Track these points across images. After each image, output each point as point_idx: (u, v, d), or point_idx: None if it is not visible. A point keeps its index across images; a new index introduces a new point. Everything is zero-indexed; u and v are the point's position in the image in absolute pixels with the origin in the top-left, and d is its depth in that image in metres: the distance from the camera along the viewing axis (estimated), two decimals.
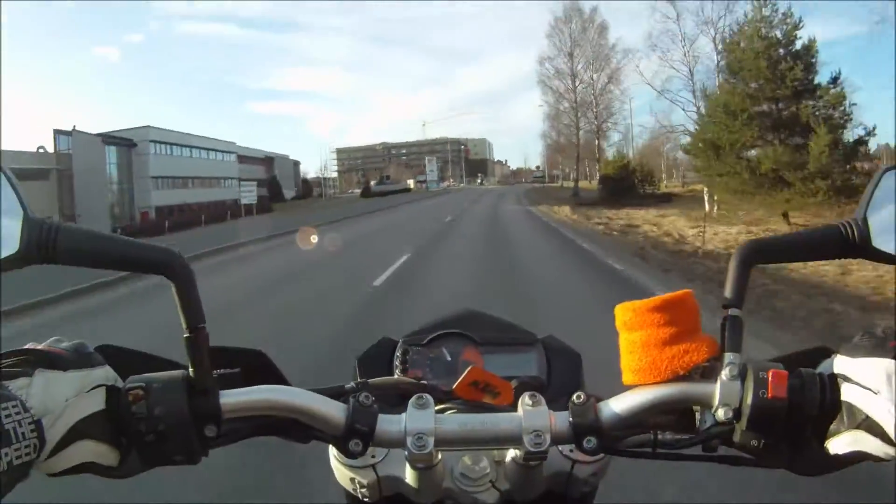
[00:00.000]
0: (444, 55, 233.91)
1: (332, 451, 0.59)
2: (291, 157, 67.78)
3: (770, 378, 0.45)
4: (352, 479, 0.60)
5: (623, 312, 0.50)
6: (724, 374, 0.46)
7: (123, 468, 0.47)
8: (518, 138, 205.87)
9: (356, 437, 0.48)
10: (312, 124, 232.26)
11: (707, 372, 0.48)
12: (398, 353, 0.71)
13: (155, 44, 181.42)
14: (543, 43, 43.56)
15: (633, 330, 0.49)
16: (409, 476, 0.56)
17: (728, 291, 0.48)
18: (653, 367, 0.48)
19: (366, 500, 0.60)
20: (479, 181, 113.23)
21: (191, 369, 0.46)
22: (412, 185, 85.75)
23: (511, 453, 0.55)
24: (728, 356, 0.46)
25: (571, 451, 0.58)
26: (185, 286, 0.46)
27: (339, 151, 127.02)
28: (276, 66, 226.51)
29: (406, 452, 0.49)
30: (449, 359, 0.70)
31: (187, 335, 0.46)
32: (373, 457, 0.58)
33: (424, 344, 0.71)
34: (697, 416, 0.51)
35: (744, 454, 0.48)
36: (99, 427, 0.45)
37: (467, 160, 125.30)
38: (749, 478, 2.32)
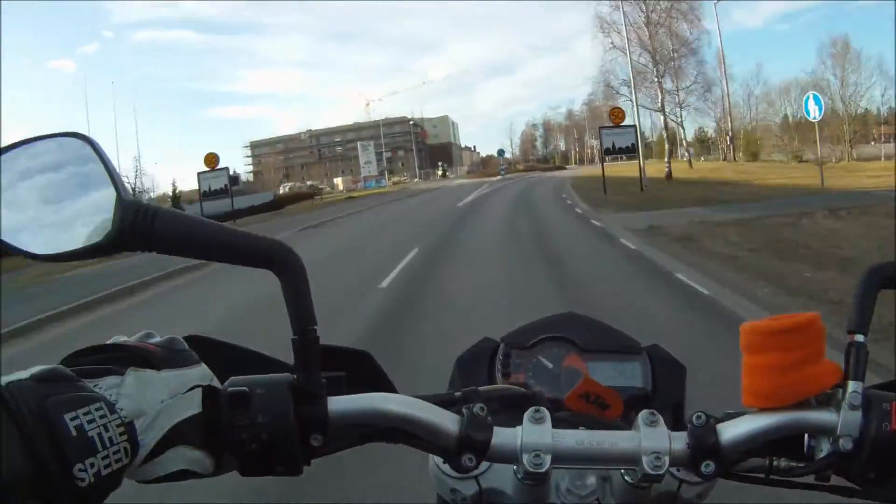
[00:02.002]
0: (402, 46, 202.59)
1: (434, 458, 0.57)
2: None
3: (893, 410, 0.44)
4: (452, 490, 0.58)
5: (748, 334, 0.47)
6: (847, 402, 0.45)
7: (218, 474, 0.43)
8: (482, 125, 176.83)
9: (469, 451, 0.46)
10: (278, 126, 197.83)
11: (824, 399, 0.47)
12: (500, 356, 0.68)
13: (110, 53, 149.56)
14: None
15: (758, 353, 0.47)
16: (514, 490, 0.55)
17: (853, 316, 0.47)
18: (776, 392, 0.46)
19: None
20: (440, 172, 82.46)
21: (298, 373, 0.43)
22: (340, 185, 56.36)
23: (622, 471, 0.52)
24: (851, 384, 0.45)
25: (679, 469, 0.55)
26: (296, 284, 0.42)
27: (255, 145, 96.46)
28: (236, 69, 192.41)
29: (517, 467, 0.47)
30: (551, 365, 0.68)
31: (296, 337, 0.43)
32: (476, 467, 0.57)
33: (527, 347, 0.68)
34: (807, 442, 0.49)
35: (856, 486, 0.47)
36: (195, 432, 0.40)
37: (424, 145, 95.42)
38: None
